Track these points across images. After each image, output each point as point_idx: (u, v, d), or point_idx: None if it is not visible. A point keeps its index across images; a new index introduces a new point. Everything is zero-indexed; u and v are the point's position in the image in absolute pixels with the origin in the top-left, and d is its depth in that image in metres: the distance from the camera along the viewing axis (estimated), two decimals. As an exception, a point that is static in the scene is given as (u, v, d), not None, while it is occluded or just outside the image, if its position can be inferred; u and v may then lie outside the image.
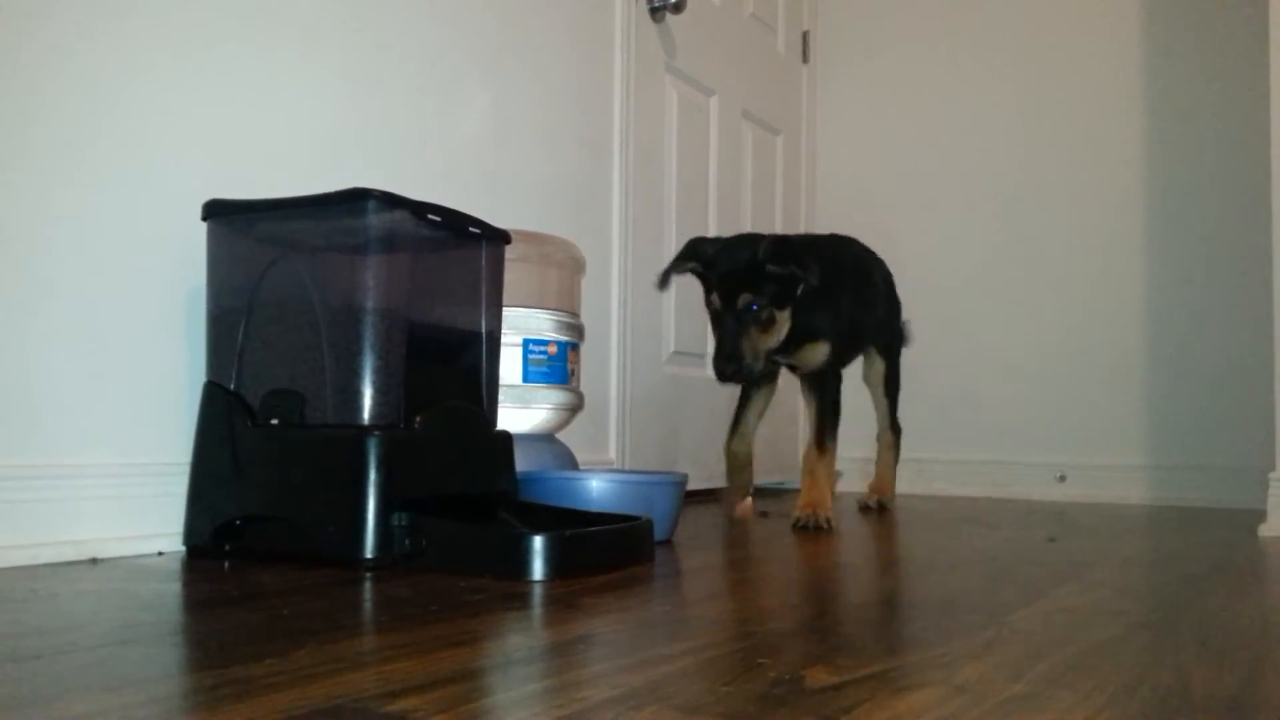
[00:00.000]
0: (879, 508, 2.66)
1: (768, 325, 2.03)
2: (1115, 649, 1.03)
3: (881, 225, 3.21)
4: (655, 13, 2.87)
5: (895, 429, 2.72)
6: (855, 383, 2.65)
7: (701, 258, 2.08)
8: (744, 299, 2.00)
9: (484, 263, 1.74)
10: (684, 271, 2.18)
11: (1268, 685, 0.90)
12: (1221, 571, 1.69)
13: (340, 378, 1.51)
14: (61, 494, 1.50)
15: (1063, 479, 3.20)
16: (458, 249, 1.71)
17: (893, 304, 2.70)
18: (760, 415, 2.46)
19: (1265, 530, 2.19)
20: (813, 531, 2.07)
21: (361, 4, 2.00)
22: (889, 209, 3.55)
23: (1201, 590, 1.45)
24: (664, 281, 2.20)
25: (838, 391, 2.27)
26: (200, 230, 1.62)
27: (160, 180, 1.64)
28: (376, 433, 1.47)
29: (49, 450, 1.50)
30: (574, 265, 2.11)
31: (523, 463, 1.81)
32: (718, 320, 2.06)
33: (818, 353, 2.22)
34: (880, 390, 2.68)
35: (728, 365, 1.97)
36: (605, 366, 2.67)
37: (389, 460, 1.46)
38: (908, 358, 2.82)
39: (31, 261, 1.49)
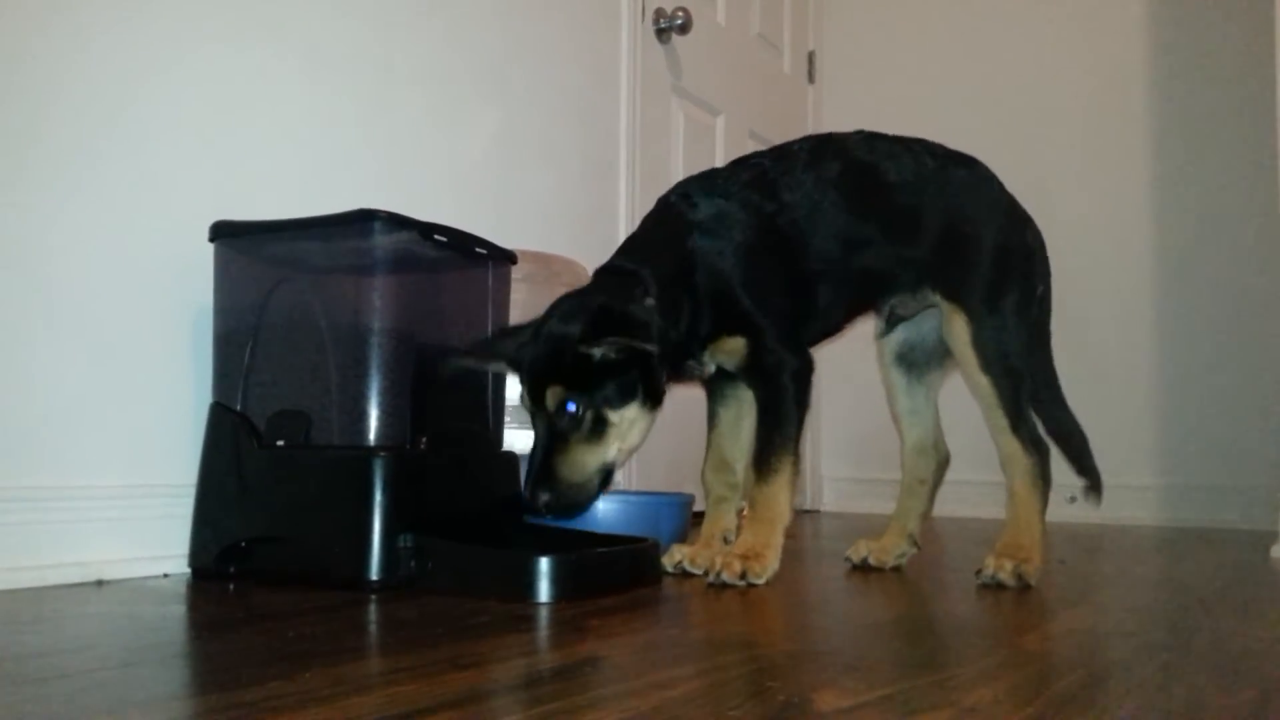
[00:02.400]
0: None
1: (596, 433, 1.43)
2: (1127, 671, 1.02)
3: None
4: (662, 34, 2.89)
5: (1019, 435, 1.66)
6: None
7: (503, 354, 1.53)
8: (554, 396, 1.42)
9: (490, 283, 1.74)
10: (483, 367, 1.63)
11: (1283, 709, 0.89)
12: (1234, 593, 1.67)
13: (346, 399, 1.51)
14: (68, 516, 1.49)
15: (1073, 500, 3.16)
16: (464, 269, 1.71)
17: (966, 226, 1.71)
18: (739, 433, 1.74)
19: (1278, 551, 2.17)
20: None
21: (369, 25, 2.01)
22: (895, 228, 3.54)
23: (1214, 612, 1.43)
24: (451, 370, 1.58)
25: (798, 386, 1.58)
26: (207, 250, 1.62)
27: (166, 200, 1.65)
28: (383, 454, 1.47)
29: (55, 472, 1.50)
30: (580, 285, 2.10)
31: (529, 483, 1.80)
32: (534, 427, 1.48)
33: (733, 349, 1.60)
34: (973, 366, 1.67)
35: (537, 494, 1.40)
36: (612, 386, 2.66)
37: (395, 482, 1.46)
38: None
39: (36, 282, 1.49)
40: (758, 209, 1.62)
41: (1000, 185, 1.79)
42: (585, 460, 1.44)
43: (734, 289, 1.58)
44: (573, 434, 1.43)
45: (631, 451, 1.52)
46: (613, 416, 1.44)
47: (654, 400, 1.50)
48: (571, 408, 1.42)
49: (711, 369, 1.67)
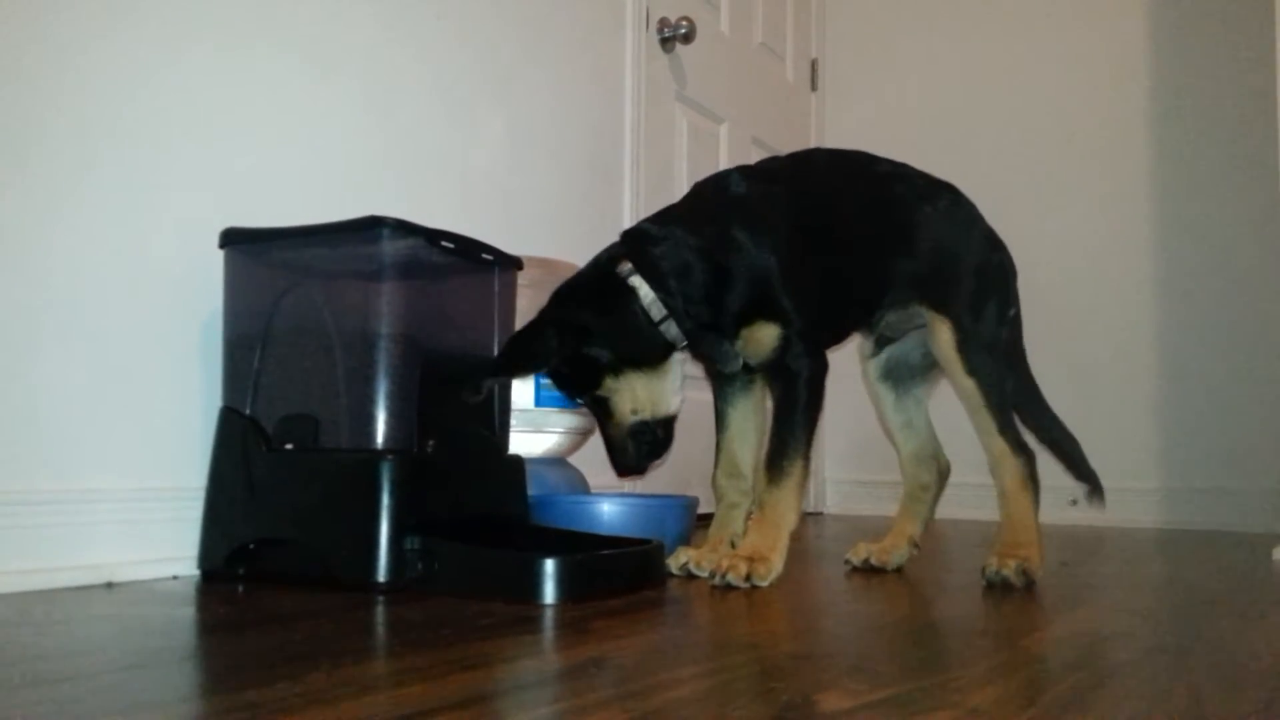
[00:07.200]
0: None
1: (604, 409, 1.63)
2: (1129, 673, 1.02)
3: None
4: (666, 42, 2.90)
5: (1006, 437, 1.70)
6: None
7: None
8: (565, 395, 1.74)
9: (496, 288, 1.75)
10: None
11: (1283, 710, 0.90)
12: (1236, 595, 1.68)
13: (354, 402, 1.52)
14: (77, 518, 1.50)
15: (1075, 503, 3.16)
16: (471, 275, 1.72)
17: (951, 244, 1.77)
18: (749, 436, 1.79)
19: (1280, 554, 2.17)
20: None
21: (377, 31, 2.03)
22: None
23: (1216, 614, 1.44)
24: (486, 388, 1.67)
25: (815, 390, 1.60)
26: (216, 256, 1.63)
27: (177, 207, 1.66)
28: (390, 457, 1.48)
29: (65, 475, 1.51)
30: (585, 290, 2.11)
31: (534, 486, 1.81)
32: None
33: (764, 339, 1.60)
34: (958, 370, 1.71)
35: (612, 461, 1.70)
36: (616, 391, 2.67)
37: (402, 484, 1.47)
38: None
39: (47, 287, 1.51)
40: (793, 200, 1.67)
41: (978, 212, 1.86)
42: (612, 431, 1.65)
43: (771, 272, 1.60)
44: (597, 414, 1.65)
45: (658, 406, 1.65)
46: (601, 393, 1.62)
47: (633, 362, 1.61)
48: (578, 399, 1.66)
49: (739, 364, 1.69)
